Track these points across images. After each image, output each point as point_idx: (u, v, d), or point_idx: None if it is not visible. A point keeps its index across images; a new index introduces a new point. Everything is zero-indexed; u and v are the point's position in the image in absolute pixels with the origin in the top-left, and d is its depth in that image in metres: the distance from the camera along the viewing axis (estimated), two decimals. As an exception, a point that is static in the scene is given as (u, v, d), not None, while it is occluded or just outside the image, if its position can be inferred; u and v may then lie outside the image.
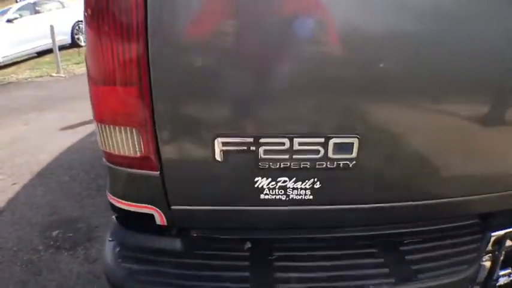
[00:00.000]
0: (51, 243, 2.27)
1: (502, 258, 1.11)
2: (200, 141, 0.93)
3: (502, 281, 1.16)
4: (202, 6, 0.86)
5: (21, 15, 9.77)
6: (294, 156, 0.94)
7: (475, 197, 1.10)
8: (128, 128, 0.93)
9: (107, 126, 0.95)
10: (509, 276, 1.16)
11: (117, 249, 1.05)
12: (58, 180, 3.03)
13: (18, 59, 9.45)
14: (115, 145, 0.96)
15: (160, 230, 1.08)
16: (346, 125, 0.93)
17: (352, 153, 0.95)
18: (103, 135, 0.97)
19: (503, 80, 0.95)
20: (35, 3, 10.70)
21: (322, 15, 0.88)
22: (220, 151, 0.93)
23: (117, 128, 0.94)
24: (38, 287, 1.94)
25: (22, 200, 2.80)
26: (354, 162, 0.95)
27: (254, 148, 0.93)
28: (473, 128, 0.99)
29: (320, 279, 0.99)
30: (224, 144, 0.92)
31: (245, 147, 0.93)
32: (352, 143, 0.94)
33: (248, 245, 1.09)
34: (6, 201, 2.80)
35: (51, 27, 7.86)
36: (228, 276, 0.99)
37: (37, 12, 10.32)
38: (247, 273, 1.00)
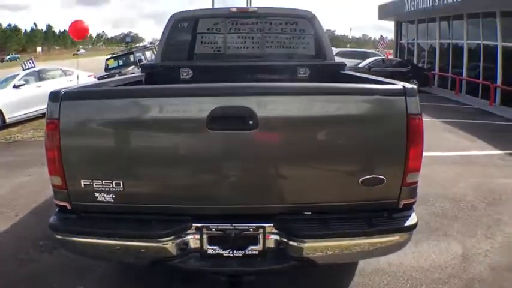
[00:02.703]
0: (39, 247, 3.65)
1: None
2: None
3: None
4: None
5: (27, 81, 11.15)
6: None
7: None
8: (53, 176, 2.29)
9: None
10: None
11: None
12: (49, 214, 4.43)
13: (24, 120, 10.72)
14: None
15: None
16: None
17: None
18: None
19: None
20: (39, 71, 12.24)
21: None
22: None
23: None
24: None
25: (21, 224, 4.22)
26: None
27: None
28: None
29: None
30: None
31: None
32: None
33: None
34: (10, 224, 4.23)
35: (52, 94, 9.34)
36: None
37: (41, 79, 11.76)
38: None
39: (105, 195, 2.26)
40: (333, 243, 2.30)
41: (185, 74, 4.21)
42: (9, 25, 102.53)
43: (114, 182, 2.24)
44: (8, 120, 10.29)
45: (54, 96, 2.21)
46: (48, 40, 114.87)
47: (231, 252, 2.33)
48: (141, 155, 2.27)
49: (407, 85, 2.30)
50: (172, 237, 2.26)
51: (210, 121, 2.15)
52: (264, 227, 2.31)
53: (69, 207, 2.33)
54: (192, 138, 2.26)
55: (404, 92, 2.24)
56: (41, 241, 3.74)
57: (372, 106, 2.29)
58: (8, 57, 62.90)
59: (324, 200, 2.34)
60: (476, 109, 12.88)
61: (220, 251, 2.32)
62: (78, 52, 17.82)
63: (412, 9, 18.21)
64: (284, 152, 2.26)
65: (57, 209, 2.40)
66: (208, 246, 2.32)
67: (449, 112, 11.64)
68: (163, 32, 4.35)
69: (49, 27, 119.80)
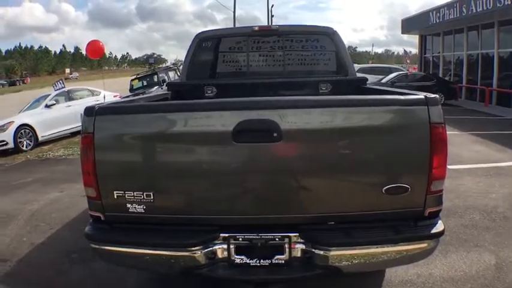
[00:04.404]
0: (72, 259, 3.78)
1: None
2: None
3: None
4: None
5: (57, 101, 11.63)
6: None
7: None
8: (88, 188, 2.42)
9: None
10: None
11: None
12: (81, 228, 4.57)
13: (54, 138, 11.14)
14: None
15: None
16: None
17: None
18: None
19: None
20: (69, 91, 12.77)
21: None
22: None
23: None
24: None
25: (55, 236, 4.38)
26: None
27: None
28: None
29: None
30: None
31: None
32: None
33: None
34: (46, 236, 4.40)
35: (81, 114, 9.70)
36: None
37: (71, 98, 12.28)
38: None
39: (136, 206, 2.34)
40: (358, 252, 2.31)
41: (209, 92, 4.31)
42: (40, 47, 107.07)
43: (145, 194, 2.32)
44: (40, 139, 10.71)
45: (89, 111, 2.34)
46: (76, 61, 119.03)
47: (257, 261, 2.36)
48: (170, 168, 2.34)
49: (429, 95, 2.31)
50: (200, 246, 2.32)
51: (236, 134, 2.22)
52: (289, 237, 2.34)
53: (102, 217, 2.43)
54: (218, 151, 2.32)
55: (426, 102, 2.26)
56: (73, 254, 3.87)
57: (394, 116, 2.31)
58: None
59: (349, 210, 2.36)
60: (508, 120, 12.55)
61: (248, 261, 2.36)
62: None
63: (437, 21, 17.96)
64: (307, 163, 2.30)
65: (91, 220, 2.51)
66: (236, 256, 2.36)
67: (478, 124, 11.39)
68: (188, 51, 4.46)
69: (77, 49, 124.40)
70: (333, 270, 2.34)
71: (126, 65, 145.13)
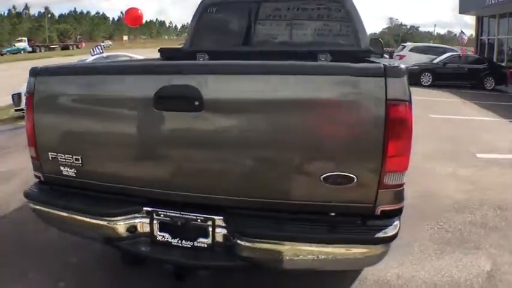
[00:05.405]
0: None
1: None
2: None
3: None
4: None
5: None
6: None
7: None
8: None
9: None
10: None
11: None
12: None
13: None
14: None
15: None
16: None
17: None
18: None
19: None
20: (107, 57, 12.43)
21: None
22: None
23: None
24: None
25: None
26: None
27: None
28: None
29: None
30: None
31: None
32: None
33: None
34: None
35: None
36: None
37: None
38: None
39: (68, 170, 2.27)
40: (283, 247, 1.91)
41: (201, 60, 3.96)
42: (97, 13, 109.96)
43: (74, 157, 2.24)
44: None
45: (32, 71, 2.30)
46: (135, 29, 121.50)
47: (179, 241, 2.11)
48: (94, 132, 2.22)
49: (392, 63, 1.85)
50: (120, 217, 2.14)
51: (157, 100, 2.00)
52: (213, 219, 2.05)
53: (42, 178, 2.39)
54: (140, 118, 2.12)
55: (383, 72, 1.79)
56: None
57: (339, 88, 1.87)
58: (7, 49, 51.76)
59: (282, 197, 1.99)
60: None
61: (169, 239, 2.12)
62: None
63: (493, 2, 16.83)
64: (233, 139, 1.98)
65: (36, 180, 2.45)
66: (159, 233, 2.13)
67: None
68: (192, 18, 4.30)
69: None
70: (254, 264, 1.98)
71: (186, 34, 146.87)
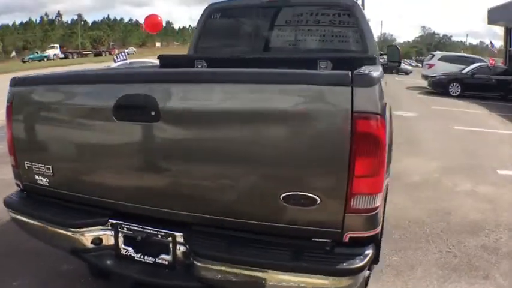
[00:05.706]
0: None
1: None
2: None
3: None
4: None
5: None
6: None
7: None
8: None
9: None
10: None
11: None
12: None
13: None
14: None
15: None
16: None
17: None
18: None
19: None
20: (131, 63, 12.76)
21: None
22: None
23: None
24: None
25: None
26: None
27: None
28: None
29: None
30: None
31: None
32: None
33: None
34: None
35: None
36: None
37: None
38: None
39: (42, 178, 2.24)
40: (235, 271, 1.73)
41: (199, 67, 3.85)
42: (130, 20, 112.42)
43: (46, 166, 2.21)
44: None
45: (12, 81, 2.30)
46: (167, 36, 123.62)
47: (142, 256, 2.01)
48: (62, 142, 2.19)
49: (362, 71, 1.69)
50: (84, 229, 2.07)
51: (116, 110, 1.92)
52: (174, 236, 1.93)
53: (21, 186, 2.39)
54: (101, 128, 2.05)
55: (350, 80, 1.59)
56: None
57: (299, 99, 1.69)
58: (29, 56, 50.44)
59: (240, 216, 1.84)
60: None
61: (133, 254, 2.03)
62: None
63: None
64: (189, 152, 1.87)
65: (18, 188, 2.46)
66: (123, 246, 2.05)
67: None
68: (197, 23, 4.26)
69: (168, 23, 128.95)
70: (210, 286, 1.83)
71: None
